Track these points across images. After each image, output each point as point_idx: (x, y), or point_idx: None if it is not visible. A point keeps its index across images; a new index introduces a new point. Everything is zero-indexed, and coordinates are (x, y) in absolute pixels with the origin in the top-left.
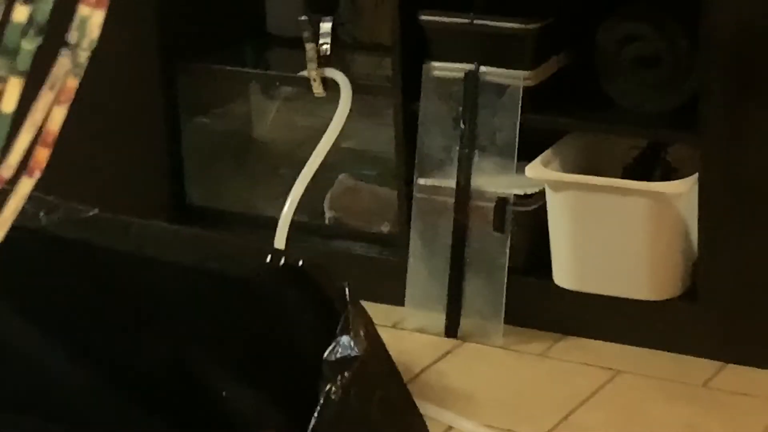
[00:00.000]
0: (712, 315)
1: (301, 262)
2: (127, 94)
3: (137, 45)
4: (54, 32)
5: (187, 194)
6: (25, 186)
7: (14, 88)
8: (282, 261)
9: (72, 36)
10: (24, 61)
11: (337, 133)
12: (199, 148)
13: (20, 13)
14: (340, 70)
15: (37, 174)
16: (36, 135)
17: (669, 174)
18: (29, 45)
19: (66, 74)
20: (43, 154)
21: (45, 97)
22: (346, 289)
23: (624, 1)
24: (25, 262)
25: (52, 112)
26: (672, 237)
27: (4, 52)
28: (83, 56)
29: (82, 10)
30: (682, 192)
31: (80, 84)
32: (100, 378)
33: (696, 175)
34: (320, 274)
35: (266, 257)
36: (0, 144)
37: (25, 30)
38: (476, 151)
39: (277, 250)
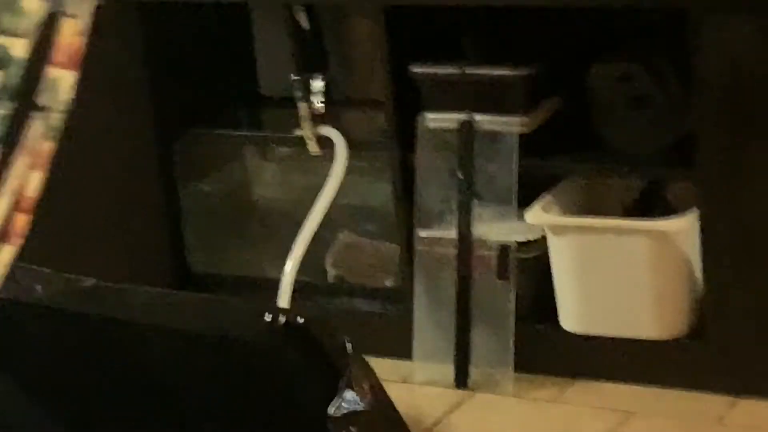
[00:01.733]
0: (720, 351)
1: (301, 320)
2: (123, 163)
3: (132, 114)
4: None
5: (188, 261)
6: (6, 254)
7: None
8: (282, 320)
9: (43, 99)
10: None
11: (334, 190)
12: (198, 214)
13: None
14: (335, 128)
15: (17, 241)
16: (14, 202)
17: (669, 212)
18: (2, 110)
19: (40, 138)
20: (22, 221)
21: (20, 162)
22: (347, 344)
23: (615, 43)
24: (21, 336)
25: (28, 177)
26: (676, 275)
27: None
28: (56, 118)
29: (52, 71)
30: (683, 229)
31: (77, 155)
32: None
33: (694, 210)
34: (321, 330)
35: (266, 316)
36: None
37: None
38: (475, 200)
39: (276, 308)
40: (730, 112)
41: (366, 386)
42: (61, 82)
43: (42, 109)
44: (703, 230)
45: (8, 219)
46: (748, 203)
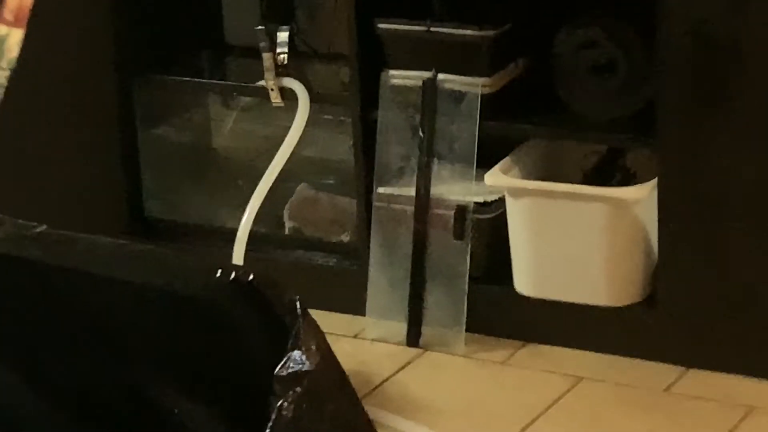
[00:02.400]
0: (673, 320)
1: (251, 277)
2: (83, 107)
3: (93, 58)
4: None
5: (145, 207)
6: None
7: None
8: (231, 276)
9: None
10: None
11: (294, 143)
12: (157, 161)
13: None
14: (298, 80)
15: None
16: None
17: (628, 180)
18: None
19: None
20: None
21: None
22: (297, 303)
23: (580, 9)
24: None
25: None
26: (631, 242)
27: None
28: (2, 75)
29: (0, 29)
30: (641, 197)
31: (37, 95)
32: (49, 399)
33: (654, 180)
34: (271, 288)
35: (215, 272)
36: None
37: None
38: (435, 159)
39: (227, 265)
40: (693, 80)
41: (313, 346)
42: (8, 39)
43: None
44: (661, 199)
45: None
46: (707, 173)
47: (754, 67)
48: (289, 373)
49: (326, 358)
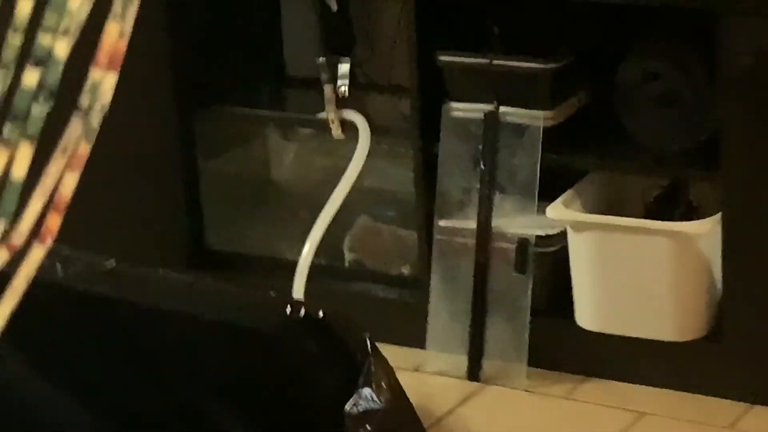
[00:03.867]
0: (738, 356)
1: (321, 313)
2: (144, 139)
3: (154, 90)
4: (65, 96)
5: (206, 238)
6: (37, 253)
7: (25, 153)
8: (302, 312)
9: (84, 100)
10: (34, 126)
11: (355, 175)
12: (218, 192)
13: (30, 77)
14: (358, 112)
15: (49, 241)
16: (47, 201)
17: (691, 213)
18: (39, 109)
19: (78, 139)
20: (54, 221)
21: (57, 162)
22: (368, 340)
23: (643, 39)
24: (41, 315)
25: (63, 177)
26: (695, 277)
27: (14, 117)
28: (95, 120)
29: (94, 73)
30: (705, 232)
31: (100, 132)
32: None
33: (719, 214)
34: (341, 324)
35: (286, 309)
36: (11, 211)
37: (35, 94)
38: (497, 192)
39: (297, 301)
40: (756, 112)
41: (384, 384)
42: (103, 83)
43: (82, 110)
44: (725, 232)
45: (41, 218)
46: None
47: None
48: (360, 410)
49: (397, 396)
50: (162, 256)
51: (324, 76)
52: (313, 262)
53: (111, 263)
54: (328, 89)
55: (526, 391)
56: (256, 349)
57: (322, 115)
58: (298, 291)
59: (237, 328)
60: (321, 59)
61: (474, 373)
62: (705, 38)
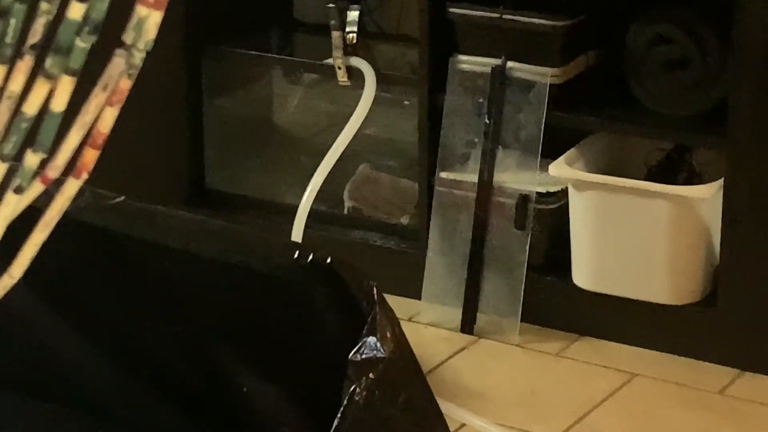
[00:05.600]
0: (732, 322)
1: (329, 259)
2: (150, 76)
3: (163, 28)
4: (107, 31)
5: (206, 178)
6: (72, 187)
7: (66, 86)
8: (310, 257)
9: (128, 36)
10: (77, 60)
11: (359, 122)
12: (221, 132)
13: (75, 11)
14: (366, 59)
15: (85, 175)
16: (85, 136)
17: (693, 178)
18: (83, 43)
19: (120, 75)
20: (91, 156)
21: (97, 97)
22: (374, 289)
23: (655, 3)
24: (49, 248)
25: (103, 113)
26: (694, 241)
27: (57, 50)
28: (138, 57)
29: (140, 10)
30: (706, 197)
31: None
32: (121, 367)
33: (721, 180)
34: (348, 271)
35: (294, 252)
36: (48, 144)
37: (79, 28)
38: (500, 147)
39: (305, 246)
40: (766, 81)
41: (389, 334)
42: (148, 21)
43: (125, 46)
44: (727, 199)
45: (78, 152)
46: None
47: None
48: (364, 358)
49: (401, 346)
50: (162, 192)
51: (333, 23)
52: (312, 208)
53: (119, 198)
54: (336, 35)
55: (519, 346)
56: (262, 292)
57: (328, 61)
58: (297, 235)
59: (244, 270)
60: (331, 5)
61: (467, 326)
62: (719, 6)
